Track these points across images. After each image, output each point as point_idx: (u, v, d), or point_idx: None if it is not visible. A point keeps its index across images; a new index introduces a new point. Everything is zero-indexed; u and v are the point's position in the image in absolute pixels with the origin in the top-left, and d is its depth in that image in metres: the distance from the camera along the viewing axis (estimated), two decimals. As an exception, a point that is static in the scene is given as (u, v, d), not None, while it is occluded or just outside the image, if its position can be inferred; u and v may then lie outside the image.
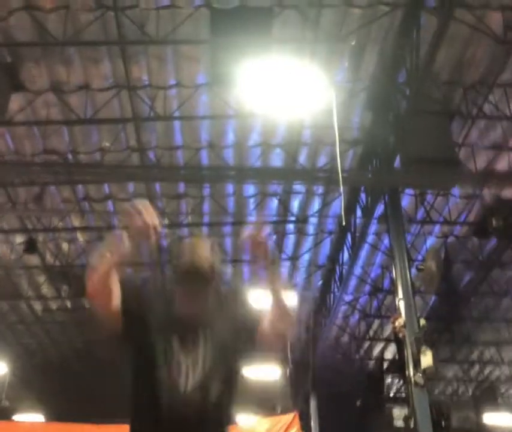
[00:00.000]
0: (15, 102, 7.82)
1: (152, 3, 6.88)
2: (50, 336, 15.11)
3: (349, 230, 10.57)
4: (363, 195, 9.65)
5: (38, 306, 13.50)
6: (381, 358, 15.81)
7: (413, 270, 9.41)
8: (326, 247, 11.63)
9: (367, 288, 13.02)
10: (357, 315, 14.30)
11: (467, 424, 18.88)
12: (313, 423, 13.67)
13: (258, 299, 10.86)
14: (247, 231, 2.27)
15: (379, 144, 8.52)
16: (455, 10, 6.05)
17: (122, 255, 2.03)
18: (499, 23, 6.93)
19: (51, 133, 8.51)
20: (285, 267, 12.24)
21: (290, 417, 7.96)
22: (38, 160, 8.84)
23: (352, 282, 12.48)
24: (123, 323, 2.13)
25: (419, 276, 10.23)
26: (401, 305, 7.67)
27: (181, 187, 9.80)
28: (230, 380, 2.22)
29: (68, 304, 13.63)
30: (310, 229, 10.99)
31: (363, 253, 11.39)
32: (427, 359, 6.90)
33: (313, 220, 10.62)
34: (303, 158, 9.09)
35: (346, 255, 11.09)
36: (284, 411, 11.07)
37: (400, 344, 7.66)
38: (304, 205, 10.27)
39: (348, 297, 13.15)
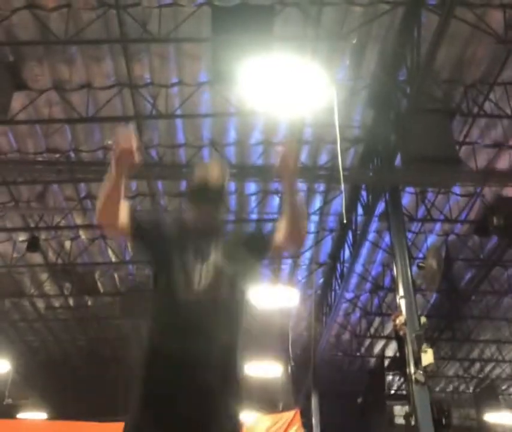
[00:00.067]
0: (18, 100, 7.85)
1: (154, 1, 6.91)
2: (52, 334, 15.16)
3: (350, 228, 10.60)
4: (363, 193, 9.67)
5: (40, 304, 13.54)
6: (381, 356, 15.83)
7: (414, 268, 9.43)
8: (327, 245, 11.66)
9: (368, 286, 13.04)
10: (358, 313, 14.33)
11: (467, 422, 18.93)
12: (315, 421, 13.71)
13: (259, 296, 10.91)
14: (280, 148, 2.39)
15: (380, 143, 8.54)
16: (455, 8, 6.07)
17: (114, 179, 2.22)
18: (500, 22, 6.94)
19: (54, 131, 8.54)
20: (286, 265, 12.29)
21: (291, 415, 7.99)
22: (41, 158, 8.87)
23: (353, 280, 12.50)
24: (134, 239, 2.40)
25: (420, 274, 10.25)
26: (402, 302, 7.70)
27: (184, 185, 9.83)
28: (240, 287, 2.36)
29: (71, 302, 13.69)
30: (312, 227, 11.01)
31: (364, 251, 11.41)
32: (427, 357, 6.93)
33: (315, 218, 10.64)
34: (304, 156, 9.11)
35: (347, 253, 11.12)
36: (285, 409, 11.11)
37: (401, 342, 7.68)
38: (306, 203, 10.29)
39: (349, 295, 13.18)
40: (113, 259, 11.73)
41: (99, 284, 12.91)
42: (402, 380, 16.01)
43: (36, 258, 11.44)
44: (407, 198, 10.04)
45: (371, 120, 8.52)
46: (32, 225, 10.59)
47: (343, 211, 8.70)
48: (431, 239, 11.20)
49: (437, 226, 10.96)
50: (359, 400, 15.75)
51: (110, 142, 8.56)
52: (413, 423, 7.07)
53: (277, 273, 12.29)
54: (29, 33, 7.07)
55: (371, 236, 11.06)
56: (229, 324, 2.26)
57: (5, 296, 12.81)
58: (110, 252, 11.56)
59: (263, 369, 13.65)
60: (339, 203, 9.91)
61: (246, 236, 2.65)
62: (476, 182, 9.11)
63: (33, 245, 10.36)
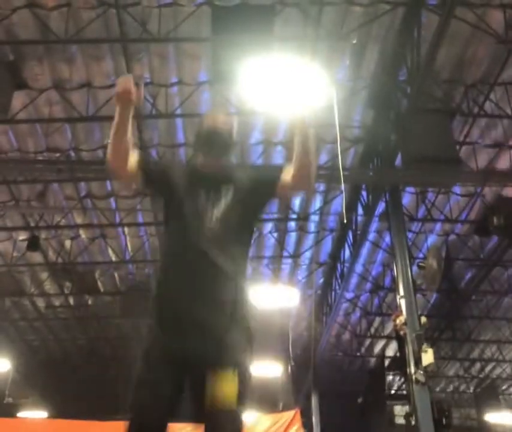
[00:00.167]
0: (18, 100, 7.85)
1: (154, 0, 6.91)
2: (53, 333, 15.17)
3: (350, 228, 10.60)
4: (364, 193, 9.67)
5: (40, 303, 13.55)
6: (382, 356, 15.83)
7: (415, 268, 9.43)
8: (327, 245, 11.65)
9: (368, 285, 13.04)
10: (358, 313, 14.33)
11: (468, 422, 18.92)
12: (315, 420, 13.71)
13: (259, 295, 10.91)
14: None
15: (380, 142, 8.54)
16: (456, 8, 6.07)
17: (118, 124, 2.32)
18: (500, 22, 6.93)
19: (54, 131, 8.54)
20: (286, 265, 12.29)
21: (291, 414, 8.00)
22: (41, 158, 8.88)
23: (354, 280, 12.50)
24: (145, 183, 2.47)
25: (421, 274, 10.25)
26: (403, 302, 7.70)
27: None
28: (248, 229, 2.51)
29: (71, 301, 13.70)
30: (312, 227, 11.02)
31: (364, 251, 11.41)
32: (428, 357, 6.93)
33: (315, 218, 10.64)
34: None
35: (347, 252, 11.11)
36: (285, 408, 11.11)
37: (401, 342, 7.69)
38: (306, 203, 10.29)
39: (349, 295, 13.18)
40: (113, 258, 11.74)
41: (99, 283, 12.92)
42: (402, 380, 16.01)
43: (37, 257, 11.45)
44: (407, 198, 10.04)
45: (371, 120, 8.51)
46: (32, 224, 10.59)
47: (344, 211, 8.71)
48: (432, 239, 11.20)
49: (438, 226, 10.96)
50: (359, 400, 15.75)
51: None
52: (413, 423, 7.07)
53: (277, 273, 12.29)
54: (29, 33, 7.07)
55: (371, 235, 11.06)
56: (237, 262, 2.37)
57: (5, 295, 12.82)
58: (110, 251, 11.56)
59: (263, 369, 13.65)
60: (339, 202, 9.92)
61: (255, 176, 2.68)
62: (476, 182, 9.11)
63: (34, 244, 10.36)
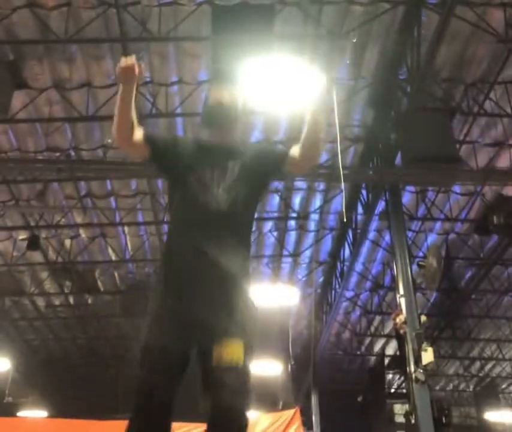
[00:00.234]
0: (18, 99, 7.85)
1: (154, 0, 6.90)
2: (52, 333, 15.17)
3: (350, 227, 10.60)
4: (364, 192, 9.68)
5: (40, 302, 13.55)
6: (382, 354, 15.84)
7: (414, 267, 9.44)
8: (327, 244, 11.66)
9: (368, 284, 13.05)
10: (358, 312, 14.34)
11: (468, 420, 18.95)
12: (315, 419, 13.74)
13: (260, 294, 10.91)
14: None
15: (380, 141, 8.54)
16: (456, 7, 6.06)
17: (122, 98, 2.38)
18: (500, 21, 6.93)
19: (54, 130, 8.53)
20: (286, 263, 12.29)
21: (291, 413, 8.00)
22: (41, 157, 8.87)
23: (353, 279, 12.51)
24: (151, 155, 2.50)
25: (420, 273, 10.26)
26: (402, 301, 7.71)
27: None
28: (254, 201, 2.56)
29: (71, 300, 13.70)
30: (312, 226, 11.02)
31: (364, 249, 11.42)
32: (428, 356, 6.93)
33: (315, 217, 10.64)
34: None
35: (347, 251, 11.13)
36: (285, 407, 11.11)
37: (401, 341, 7.70)
38: (306, 202, 10.29)
39: (349, 294, 13.19)
40: (113, 257, 11.74)
41: (99, 283, 12.92)
42: (402, 378, 16.02)
43: (37, 256, 11.45)
44: (407, 197, 10.04)
45: (371, 119, 8.51)
46: (32, 223, 10.59)
47: (343, 210, 8.73)
48: (432, 238, 11.21)
49: (438, 225, 10.96)
50: (359, 399, 15.75)
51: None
52: (413, 421, 7.08)
53: (277, 272, 12.30)
54: (29, 32, 7.06)
55: (371, 234, 11.07)
56: (242, 234, 2.44)
57: (5, 295, 12.82)
58: (110, 250, 11.57)
59: (263, 367, 13.65)
60: (339, 201, 9.92)
61: (262, 151, 2.73)
62: (476, 181, 9.10)
63: (34, 243, 10.37)
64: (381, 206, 9.39)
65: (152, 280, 12.50)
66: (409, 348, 7.20)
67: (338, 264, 11.83)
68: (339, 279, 11.79)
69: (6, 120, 7.92)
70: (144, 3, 6.90)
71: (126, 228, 11.03)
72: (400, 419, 15.33)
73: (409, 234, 10.43)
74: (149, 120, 8.40)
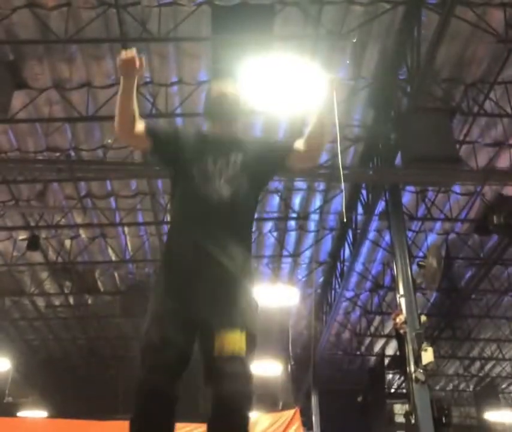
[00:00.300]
0: (18, 99, 7.85)
1: (154, 0, 6.90)
2: (52, 333, 15.17)
3: (350, 227, 10.60)
4: (364, 192, 9.68)
5: (40, 302, 13.55)
6: (382, 354, 15.84)
7: (414, 267, 9.44)
8: (327, 244, 11.66)
9: (368, 284, 13.05)
10: (358, 312, 14.34)
11: (468, 420, 18.94)
12: (314, 419, 13.73)
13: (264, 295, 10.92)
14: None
15: (380, 141, 8.54)
16: (456, 7, 6.07)
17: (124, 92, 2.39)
18: (500, 21, 6.93)
19: (54, 130, 8.53)
20: (286, 264, 12.29)
21: (291, 413, 7.98)
22: (41, 157, 8.87)
23: (353, 279, 12.51)
24: (152, 147, 2.50)
25: (421, 273, 10.26)
26: (402, 301, 7.71)
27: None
28: (255, 193, 2.55)
29: (71, 300, 13.70)
30: (312, 226, 11.02)
31: (364, 250, 11.42)
32: (428, 355, 6.93)
33: (315, 217, 10.64)
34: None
35: (347, 251, 11.13)
36: (285, 407, 11.11)
37: (401, 341, 7.70)
38: (306, 202, 10.29)
39: (349, 294, 13.18)
40: (113, 258, 11.74)
41: (99, 283, 12.92)
42: (402, 378, 16.02)
43: (37, 257, 11.45)
44: (407, 197, 10.04)
45: (371, 119, 8.51)
46: (32, 224, 10.59)
47: (343, 210, 8.73)
48: (432, 238, 11.21)
49: (438, 225, 10.96)
50: (359, 399, 15.75)
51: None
52: (413, 421, 7.08)
53: (277, 272, 12.29)
54: (29, 32, 7.06)
55: (371, 234, 11.06)
56: (244, 226, 2.45)
57: (5, 295, 12.81)
58: (110, 251, 11.56)
59: (263, 368, 13.65)
60: (339, 201, 9.92)
61: (266, 144, 2.74)
62: (476, 181, 9.10)
63: (34, 243, 10.36)
64: (380, 206, 9.38)
65: (152, 280, 12.51)
66: (409, 348, 7.20)
67: (338, 264, 11.83)
68: (339, 280, 11.79)
69: (6, 120, 7.91)
70: (144, 4, 6.90)
71: (126, 229, 11.03)
72: (400, 419, 15.33)
73: (409, 234, 10.44)
74: (149, 121, 8.39)
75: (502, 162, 9.11)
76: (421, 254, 11.05)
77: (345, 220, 8.96)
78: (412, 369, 7.05)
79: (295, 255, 11.84)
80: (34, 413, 14.60)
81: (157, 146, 2.52)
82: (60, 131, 8.60)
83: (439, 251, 9.80)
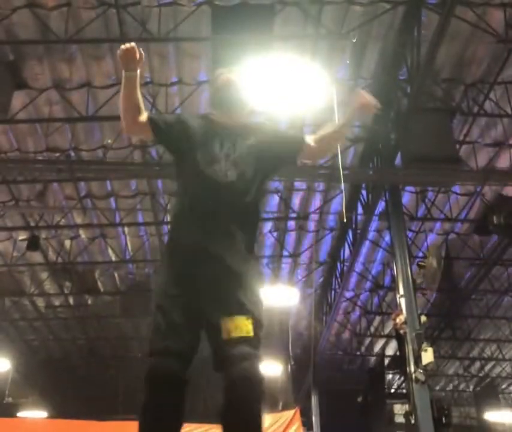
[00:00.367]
0: (18, 99, 7.85)
1: (154, 0, 6.90)
2: (52, 333, 15.16)
3: (350, 227, 10.60)
4: (364, 192, 9.67)
5: (40, 303, 13.55)
6: (382, 354, 15.83)
7: (414, 267, 9.43)
8: (327, 244, 11.66)
9: (368, 284, 13.05)
10: (357, 312, 14.34)
11: (468, 420, 18.94)
12: (314, 419, 13.73)
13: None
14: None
15: (380, 142, 8.54)
16: (456, 7, 6.07)
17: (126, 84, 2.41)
18: (500, 21, 6.93)
19: (54, 130, 8.53)
20: (286, 264, 12.29)
21: (291, 414, 7.99)
22: (41, 157, 8.86)
23: (353, 279, 12.51)
24: (157, 134, 2.51)
25: (420, 273, 10.25)
26: (402, 301, 7.71)
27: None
28: (263, 179, 2.51)
29: (71, 301, 13.69)
30: (311, 226, 11.02)
31: (364, 250, 11.42)
32: (428, 356, 6.93)
33: (314, 217, 10.64)
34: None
35: (347, 251, 11.12)
36: (285, 408, 11.12)
37: (401, 341, 7.70)
38: (306, 202, 10.29)
39: (348, 294, 13.18)
40: (113, 258, 11.74)
41: (99, 283, 12.92)
42: (402, 378, 16.01)
43: (36, 257, 11.44)
44: (407, 197, 10.04)
45: (371, 120, 8.51)
46: (32, 224, 10.59)
47: (343, 210, 8.71)
48: (432, 238, 11.21)
49: (438, 225, 10.97)
50: (359, 399, 15.75)
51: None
52: (413, 421, 7.08)
53: (277, 272, 12.29)
54: (29, 32, 7.06)
55: (371, 235, 11.07)
56: (249, 210, 2.40)
57: (5, 295, 12.81)
58: (110, 251, 11.56)
59: (263, 368, 13.65)
60: (339, 202, 9.91)
61: (278, 132, 2.73)
62: (476, 181, 9.10)
63: (33, 244, 10.36)
64: (380, 206, 9.38)
65: (153, 279, 12.51)
66: (409, 348, 7.20)
67: (338, 264, 11.83)
68: (339, 280, 11.79)
69: (6, 121, 7.91)
70: (144, 4, 6.90)
71: (126, 229, 11.03)
72: (400, 419, 15.30)
73: (409, 234, 10.44)
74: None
75: (502, 162, 9.11)
76: (421, 254, 11.05)
77: (345, 220, 8.93)
78: (412, 369, 7.05)
79: (295, 255, 11.84)
80: (34, 414, 14.61)
81: (160, 134, 2.52)
82: (60, 131, 8.60)
83: (439, 251, 9.80)
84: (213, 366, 2.17)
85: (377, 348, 16.13)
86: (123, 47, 2.32)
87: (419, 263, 9.59)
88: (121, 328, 14.68)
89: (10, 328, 14.46)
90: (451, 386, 19.11)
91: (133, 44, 2.33)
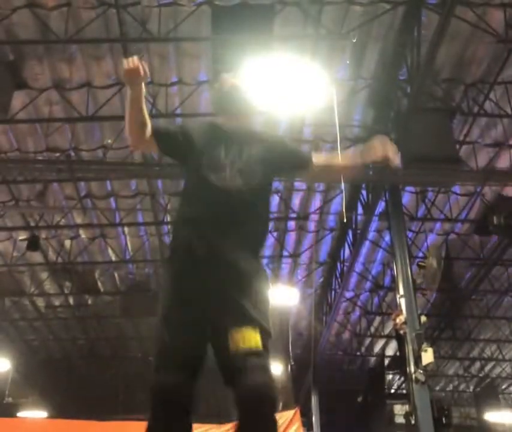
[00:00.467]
0: (18, 99, 7.85)
1: (154, 0, 6.91)
2: (52, 333, 15.16)
3: (350, 227, 10.60)
4: (364, 192, 9.67)
5: (40, 303, 13.55)
6: (382, 355, 15.83)
7: (414, 267, 9.43)
8: (327, 244, 11.66)
9: (368, 285, 13.04)
10: (358, 312, 14.33)
11: (468, 421, 18.93)
12: (314, 419, 13.71)
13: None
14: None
15: (380, 142, 8.52)
16: (456, 8, 6.08)
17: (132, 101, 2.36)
18: (500, 21, 6.94)
19: (54, 130, 8.53)
20: (286, 264, 12.29)
21: (291, 413, 7.97)
22: (41, 157, 8.87)
23: (353, 279, 12.50)
24: (161, 148, 2.49)
25: (421, 274, 10.25)
26: (402, 301, 7.71)
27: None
28: (267, 187, 2.51)
29: (71, 301, 13.69)
30: (311, 226, 11.02)
31: (364, 250, 11.41)
32: (428, 356, 6.93)
33: (314, 217, 10.64)
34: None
35: (347, 252, 11.12)
36: (285, 408, 11.10)
37: (401, 341, 7.69)
38: (305, 202, 10.29)
39: (348, 294, 13.18)
40: (113, 258, 11.74)
41: (99, 283, 12.92)
42: (402, 379, 16.01)
43: (36, 257, 11.44)
44: (407, 198, 10.04)
45: (371, 120, 8.51)
46: (32, 224, 10.59)
47: (343, 210, 8.71)
48: (432, 238, 11.20)
49: (438, 225, 10.96)
50: (359, 399, 15.77)
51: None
52: (413, 422, 7.08)
53: (277, 272, 12.29)
54: (29, 32, 7.07)
55: (371, 235, 11.06)
56: (255, 217, 2.36)
57: (5, 295, 12.81)
58: (110, 251, 11.56)
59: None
60: (339, 202, 9.92)
61: (286, 144, 2.70)
62: (476, 181, 9.11)
63: (33, 244, 10.36)
64: (380, 206, 9.38)
65: (152, 280, 12.51)
66: (409, 348, 7.20)
67: (338, 264, 11.83)
68: (339, 280, 11.79)
69: (6, 121, 7.92)
70: (144, 4, 6.90)
71: (126, 229, 11.03)
72: (400, 419, 15.30)
73: (409, 234, 10.43)
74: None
75: (502, 163, 9.11)
76: (421, 254, 11.04)
77: (345, 220, 8.94)
78: (412, 369, 7.05)
79: (295, 255, 11.84)
80: (34, 413, 14.61)
81: (165, 146, 2.50)
82: (60, 131, 8.60)
83: (439, 251, 9.80)
84: (223, 380, 2.12)
85: (377, 348, 16.12)
86: (126, 66, 2.26)
87: (419, 263, 9.59)
88: (121, 328, 14.68)
89: (10, 328, 14.46)
90: (451, 387, 19.10)
91: (136, 60, 2.26)
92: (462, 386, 19.19)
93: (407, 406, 8.07)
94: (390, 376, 17.68)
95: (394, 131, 8.00)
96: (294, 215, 10.58)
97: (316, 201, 10.28)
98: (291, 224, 10.94)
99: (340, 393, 15.64)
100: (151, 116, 8.10)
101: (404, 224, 8.77)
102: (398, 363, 9.47)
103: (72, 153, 8.90)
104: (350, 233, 10.70)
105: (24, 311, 13.81)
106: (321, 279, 12.93)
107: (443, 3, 6.15)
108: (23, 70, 7.66)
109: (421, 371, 6.91)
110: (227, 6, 6.88)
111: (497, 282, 12.37)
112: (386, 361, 16.05)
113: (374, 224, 10.46)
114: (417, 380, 6.94)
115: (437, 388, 18.33)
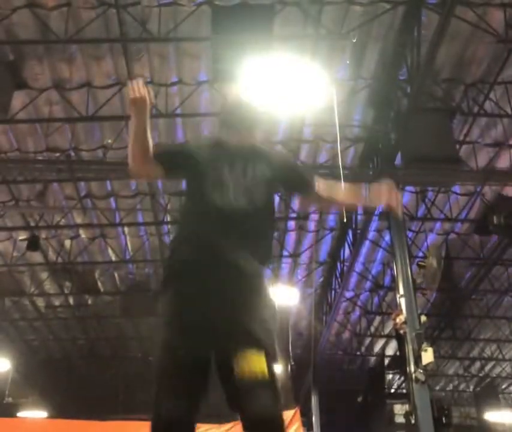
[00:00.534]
0: (18, 99, 7.85)
1: (154, 0, 6.91)
2: (52, 333, 15.16)
3: (350, 227, 10.60)
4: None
5: (40, 303, 13.55)
6: (382, 354, 15.84)
7: (414, 267, 9.43)
8: (327, 244, 11.66)
9: (368, 284, 13.04)
10: (358, 312, 14.33)
11: (468, 420, 18.94)
12: (314, 419, 13.72)
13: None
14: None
15: (380, 142, 8.54)
16: (456, 7, 6.08)
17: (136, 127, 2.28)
18: (500, 21, 6.94)
19: (54, 130, 8.54)
20: (286, 264, 12.29)
21: (291, 413, 7.95)
22: (41, 157, 8.87)
23: (353, 279, 12.50)
24: (164, 172, 2.43)
25: (421, 273, 10.25)
26: (402, 301, 7.71)
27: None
28: (270, 203, 2.47)
29: (71, 301, 13.70)
30: (311, 226, 11.02)
31: (364, 250, 11.41)
32: (428, 356, 6.93)
33: (314, 217, 10.64)
34: (304, 155, 9.11)
35: (347, 251, 11.12)
36: (285, 407, 11.10)
37: (401, 341, 7.70)
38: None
39: (348, 294, 13.18)
40: (113, 258, 11.74)
41: (99, 283, 12.92)
42: (402, 378, 16.02)
43: (36, 257, 11.44)
44: (407, 197, 10.04)
45: (371, 120, 8.51)
46: (32, 224, 10.59)
47: (343, 210, 8.69)
48: (432, 238, 11.20)
49: (438, 225, 10.96)
50: (359, 399, 15.77)
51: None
52: (413, 421, 7.08)
53: (276, 272, 12.29)
54: (29, 32, 7.07)
55: (371, 234, 11.06)
56: (259, 236, 2.31)
57: (5, 295, 12.81)
58: (110, 251, 11.56)
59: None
60: (339, 202, 9.90)
61: (291, 168, 2.68)
62: (476, 181, 9.11)
63: (34, 244, 10.36)
64: (380, 206, 9.37)
65: (153, 281, 12.51)
66: (409, 348, 7.20)
67: (338, 264, 11.83)
68: (339, 280, 11.79)
69: (6, 121, 7.92)
70: (144, 4, 6.90)
71: (126, 229, 11.03)
72: (400, 419, 15.31)
73: (409, 234, 10.43)
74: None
75: (502, 163, 9.11)
76: (421, 254, 11.05)
77: (344, 220, 8.94)
78: (412, 369, 7.05)
79: (295, 255, 11.84)
80: (34, 413, 14.59)
81: (169, 166, 2.43)
82: (60, 131, 8.60)
83: (439, 251, 9.80)
84: (229, 406, 2.08)
85: (377, 348, 16.13)
86: (132, 95, 2.18)
87: (419, 263, 9.59)
88: (121, 328, 14.68)
89: (10, 328, 14.46)
90: (451, 386, 19.11)
91: (142, 85, 2.19)
92: (462, 386, 19.19)
93: (407, 406, 8.07)
94: (390, 376, 17.68)
95: (394, 131, 8.01)
96: (294, 215, 10.59)
97: (316, 201, 10.27)
98: (291, 223, 10.94)
99: (340, 393, 15.65)
100: (152, 116, 8.14)
101: (404, 224, 8.77)
102: (398, 363, 9.48)
103: (72, 153, 8.90)
104: (350, 232, 10.71)
105: (24, 311, 13.82)
106: (321, 279, 12.93)
107: (443, 3, 6.15)
108: (23, 70, 7.66)
109: (421, 371, 6.91)
110: (227, 6, 6.88)
111: (497, 282, 12.38)
112: (386, 361, 16.06)
113: (374, 224, 10.46)
114: (417, 380, 6.94)
115: (437, 388, 18.33)
